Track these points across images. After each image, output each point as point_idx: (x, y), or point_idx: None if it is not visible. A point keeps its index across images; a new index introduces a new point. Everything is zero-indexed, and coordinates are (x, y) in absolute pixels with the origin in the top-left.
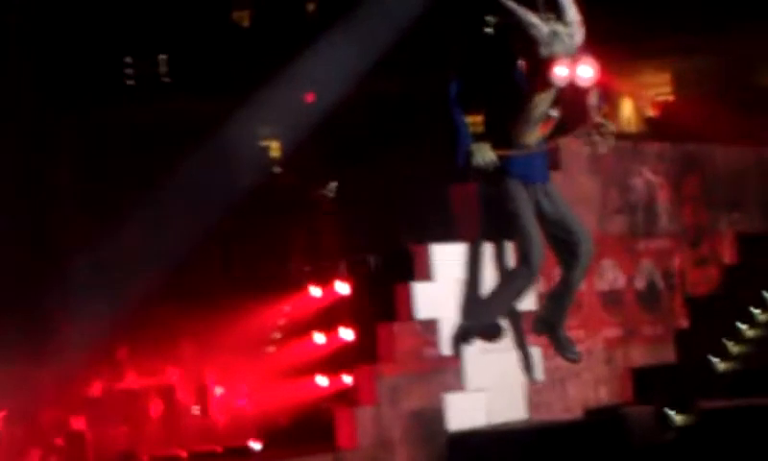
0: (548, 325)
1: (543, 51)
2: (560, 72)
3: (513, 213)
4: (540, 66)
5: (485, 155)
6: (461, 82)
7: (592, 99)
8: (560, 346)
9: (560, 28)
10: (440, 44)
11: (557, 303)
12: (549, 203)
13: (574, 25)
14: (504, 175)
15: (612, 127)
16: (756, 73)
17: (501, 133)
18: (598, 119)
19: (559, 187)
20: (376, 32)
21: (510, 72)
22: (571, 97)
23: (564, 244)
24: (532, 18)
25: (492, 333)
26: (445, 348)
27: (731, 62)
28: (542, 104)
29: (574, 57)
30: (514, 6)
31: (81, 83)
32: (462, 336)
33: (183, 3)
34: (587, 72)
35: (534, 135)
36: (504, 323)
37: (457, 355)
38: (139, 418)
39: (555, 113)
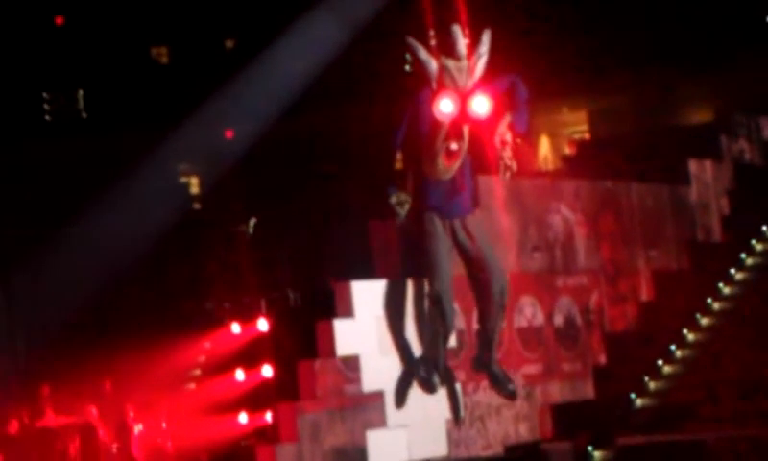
0: (481, 362)
1: (433, 85)
2: (443, 106)
3: (425, 248)
4: (433, 100)
5: (400, 196)
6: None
7: (499, 133)
8: (496, 382)
9: (449, 63)
10: (357, 80)
11: (481, 340)
12: (467, 238)
13: (464, 60)
14: (421, 208)
15: (512, 164)
16: (668, 112)
17: (414, 167)
18: (503, 154)
19: (478, 224)
20: (295, 68)
21: (417, 107)
22: (476, 131)
23: (478, 281)
24: (422, 53)
25: (428, 386)
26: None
27: (644, 102)
28: (440, 137)
29: (467, 91)
30: (411, 42)
31: None
32: (406, 382)
33: (102, 39)
34: (481, 106)
35: (440, 168)
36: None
37: (401, 403)
38: (58, 456)
39: (455, 146)
